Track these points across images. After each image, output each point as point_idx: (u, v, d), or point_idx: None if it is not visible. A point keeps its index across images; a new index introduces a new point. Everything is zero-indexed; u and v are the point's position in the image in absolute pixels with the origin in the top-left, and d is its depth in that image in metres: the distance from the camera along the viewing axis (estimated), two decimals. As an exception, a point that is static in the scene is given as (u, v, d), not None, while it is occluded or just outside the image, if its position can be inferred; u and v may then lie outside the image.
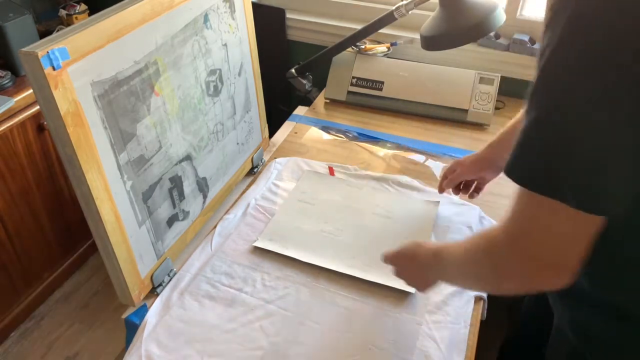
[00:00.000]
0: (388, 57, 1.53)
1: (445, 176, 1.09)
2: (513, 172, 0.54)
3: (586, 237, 0.53)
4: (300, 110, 1.52)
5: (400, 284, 0.94)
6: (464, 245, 0.68)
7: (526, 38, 1.44)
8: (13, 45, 1.52)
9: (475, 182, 1.08)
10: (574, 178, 0.50)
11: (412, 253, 0.83)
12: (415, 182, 1.20)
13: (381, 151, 1.34)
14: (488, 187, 1.23)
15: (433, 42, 1.24)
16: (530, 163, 0.53)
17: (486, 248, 0.62)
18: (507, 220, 0.57)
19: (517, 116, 0.93)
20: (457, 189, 1.10)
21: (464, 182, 1.08)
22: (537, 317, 1.02)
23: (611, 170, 0.49)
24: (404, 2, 1.32)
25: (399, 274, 0.87)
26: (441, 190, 1.11)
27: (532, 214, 0.54)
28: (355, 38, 1.43)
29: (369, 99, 1.49)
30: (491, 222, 1.10)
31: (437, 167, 1.27)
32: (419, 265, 0.81)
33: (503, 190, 1.19)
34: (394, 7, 1.34)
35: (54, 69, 0.68)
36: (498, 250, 0.59)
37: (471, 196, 1.09)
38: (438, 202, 1.13)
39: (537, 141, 0.52)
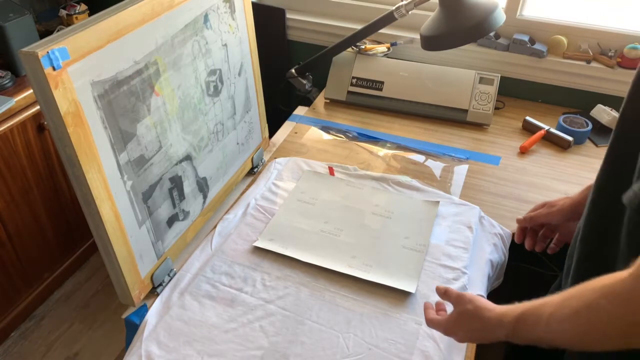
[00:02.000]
0: (388, 57, 1.53)
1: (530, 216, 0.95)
2: None
3: None
4: (300, 110, 1.52)
5: (400, 284, 0.94)
6: (567, 301, 0.61)
7: (526, 38, 1.44)
8: (13, 45, 1.52)
9: (557, 235, 0.94)
10: None
11: (477, 318, 0.72)
12: (415, 182, 1.20)
13: (381, 151, 1.34)
14: (488, 187, 1.23)
15: (433, 42, 1.24)
16: None
17: (613, 297, 0.55)
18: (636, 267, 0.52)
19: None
20: (533, 238, 0.96)
21: (543, 230, 0.95)
22: None
23: None
24: (404, 2, 1.32)
25: (453, 335, 0.75)
26: (519, 238, 0.97)
27: None
28: (355, 38, 1.43)
29: (369, 99, 1.49)
30: (491, 222, 1.10)
31: (437, 167, 1.27)
32: (486, 330, 0.71)
33: (503, 190, 1.20)
34: (394, 7, 1.34)
35: (54, 69, 0.69)
36: (632, 296, 0.53)
37: (551, 250, 0.95)
38: (438, 202, 1.13)
39: None
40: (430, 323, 0.78)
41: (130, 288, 0.90)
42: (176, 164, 0.98)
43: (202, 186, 1.08)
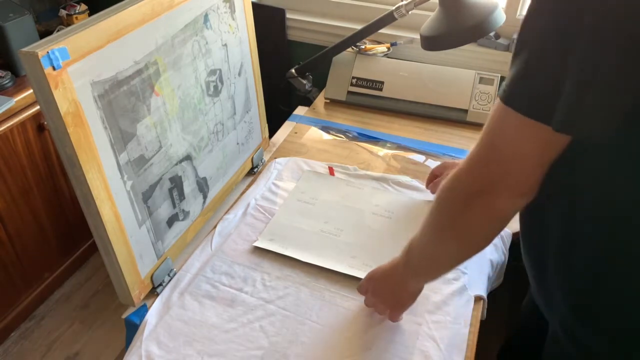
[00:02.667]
0: (388, 57, 1.53)
1: (434, 175, 1.12)
2: (506, 96, 0.57)
3: (547, 159, 0.58)
4: (300, 110, 1.52)
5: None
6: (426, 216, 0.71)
7: (526, 38, 1.44)
8: (13, 45, 1.52)
9: None
10: (560, 102, 0.52)
11: (380, 270, 0.85)
12: (415, 182, 1.20)
13: (381, 151, 1.34)
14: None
15: (433, 42, 1.24)
16: (524, 88, 0.56)
17: (447, 184, 0.65)
18: (471, 150, 0.61)
19: None
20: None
21: None
22: (535, 320, 1.02)
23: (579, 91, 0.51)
24: (404, 2, 1.32)
25: (369, 301, 0.89)
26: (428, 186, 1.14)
27: (504, 133, 0.57)
28: (355, 38, 1.43)
29: (369, 99, 1.49)
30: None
31: (437, 167, 1.27)
32: (395, 274, 0.82)
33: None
34: (394, 7, 1.34)
35: (54, 69, 0.69)
36: (458, 177, 0.63)
37: None
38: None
39: (530, 69, 0.55)
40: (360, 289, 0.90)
41: (130, 288, 0.90)
42: (176, 164, 0.98)
43: (202, 186, 1.08)
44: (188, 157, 1.01)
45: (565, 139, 0.56)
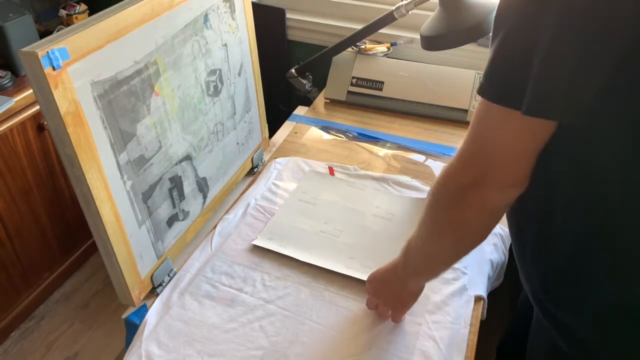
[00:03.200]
0: (388, 57, 1.53)
1: None
2: (480, 88, 0.58)
3: (532, 146, 0.58)
4: (300, 110, 1.52)
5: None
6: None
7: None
8: (13, 45, 1.52)
9: None
10: (529, 85, 0.53)
11: (380, 271, 0.86)
12: (416, 182, 1.20)
13: (381, 151, 1.34)
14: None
15: (433, 42, 1.24)
16: (494, 77, 0.57)
17: (439, 181, 0.66)
18: (460, 146, 0.62)
19: None
20: None
21: None
22: (529, 314, 1.02)
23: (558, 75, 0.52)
24: (404, 2, 1.32)
25: (377, 300, 0.89)
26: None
27: (486, 126, 0.59)
28: (355, 38, 1.43)
29: (369, 99, 1.49)
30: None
31: (437, 167, 1.27)
32: (394, 275, 0.82)
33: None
34: (394, 7, 1.34)
35: (54, 69, 0.69)
36: (450, 174, 0.64)
37: None
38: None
39: (501, 55, 0.56)
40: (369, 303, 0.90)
41: (130, 288, 0.90)
42: (176, 164, 0.98)
43: (202, 186, 1.08)
44: (188, 157, 1.01)
45: (543, 124, 0.56)
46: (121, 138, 0.83)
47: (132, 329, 0.91)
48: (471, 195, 0.62)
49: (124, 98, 0.82)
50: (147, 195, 0.91)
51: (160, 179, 0.94)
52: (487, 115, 0.58)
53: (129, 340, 0.91)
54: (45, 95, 0.70)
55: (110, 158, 0.81)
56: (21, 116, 1.51)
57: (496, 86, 0.56)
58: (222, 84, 1.09)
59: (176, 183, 0.98)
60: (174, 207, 0.99)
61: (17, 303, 1.72)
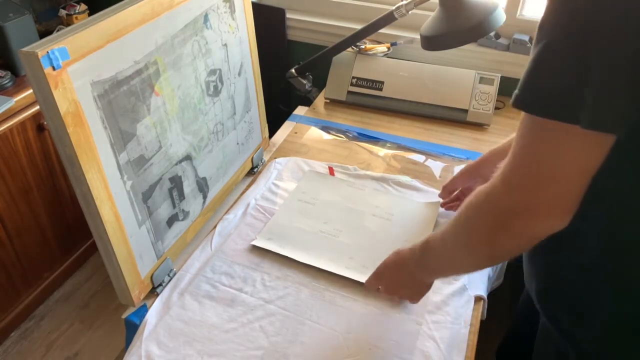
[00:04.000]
0: (388, 57, 1.53)
1: (451, 190, 1.11)
2: (522, 101, 0.52)
3: (589, 167, 0.52)
4: (300, 110, 1.52)
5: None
6: (452, 219, 0.67)
7: (526, 38, 1.44)
8: (13, 45, 1.52)
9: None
10: (587, 97, 0.48)
11: (396, 259, 0.84)
12: (416, 183, 1.20)
13: (381, 151, 1.34)
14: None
15: (433, 42, 1.24)
16: (541, 88, 0.51)
17: (479, 204, 0.61)
18: (505, 167, 0.56)
19: (511, 136, 0.90)
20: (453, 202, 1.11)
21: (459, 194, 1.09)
22: (530, 317, 1.02)
23: (619, 87, 0.48)
24: (404, 2, 1.32)
25: (389, 289, 0.87)
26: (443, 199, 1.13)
27: (537, 146, 0.53)
28: (355, 38, 1.43)
29: (369, 99, 1.49)
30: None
31: (437, 167, 1.27)
32: (407, 269, 0.81)
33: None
34: (394, 7, 1.34)
35: (54, 69, 0.69)
36: (494, 198, 0.58)
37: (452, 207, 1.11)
38: (439, 202, 1.13)
39: (548, 64, 0.50)
40: (366, 285, 0.90)
41: (130, 288, 0.90)
42: (176, 164, 0.98)
43: (202, 186, 1.08)
44: (188, 157, 1.01)
45: (602, 141, 0.50)
46: (121, 138, 0.83)
47: (132, 329, 0.91)
48: (515, 223, 0.56)
49: (124, 98, 0.82)
50: (147, 195, 0.91)
51: (160, 179, 0.94)
52: (537, 132, 0.52)
53: (129, 340, 0.91)
54: (45, 95, 0.70)
55: (110, 158, 0.81)
56: (21, 116, 1.51)
57: (545, 99, 0.51)
58: (222, 84, 1.09)
59: (176, 183, 0.98)
60: (174, 207, 0.99)
61: (17, 303, 1.72)
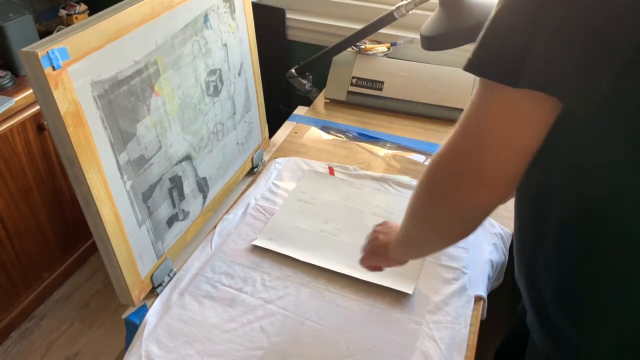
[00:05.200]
0: (388, 57, 1.53)
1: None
2: (470, 64, 0.53)
3: (530, 134, 0.51)
4: (300, 110, 1.52)
5: (397, 285, 0.94)
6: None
7: (526, 38, 1.44)
8: (13, 45, 1.52)
9: None
10: (535, 60, 0.47)
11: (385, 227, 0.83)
12: (416, 182, 1.20)
13: (381, 151, 1.34)
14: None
15: (433, 42, 1.24)
16: (490, 51, 0.51)
17: (423, 176, 0.60)
18: (454, 131, 0.55)
19: None
20: None
21: None
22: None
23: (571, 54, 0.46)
24: (404, 2, 1.32)
25: (370, 251, 0.85)
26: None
27: (478, 108, 0.52)
28: (355, 38, 1.43)
29: (369, 99, 1.49)
30: (491, 222, 1.10)
31: (437, 167, 1.27)
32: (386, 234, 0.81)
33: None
34: (394, 7, 1.34)
35: (54, 68, 0.69)
36: (435, 167, 0.57)
37: None
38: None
39: (499, 27, 0.50)
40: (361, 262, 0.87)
41: (130, 288, 0.90)
42: (176, 164, 0.98)
43: (202, 186, 1.08)
44: (188, 157, 1.01)
45: (543, 106, 0.49)
46: (121, 138, 0.83)
47: (132, 329, 0.91)
48: (459, 190, 0.54)
49: (124, 98, 0.82)
50: (147, 195, 0.91)
51: (160, 179, 0.94)
52: (478, 95, 0.52)
53: (129, 340, 0.91)
54: (45, 95, 0.70)
55: (110, 158, 0.81)
56: (21, 116, 1.51)
57: (488, 59, 0.50)
58: (222, 84, 1.09)
59: (176, 183, 0.98)
60: (174, 207, 0.99)
61: (17, 303, 1.72)
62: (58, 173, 1.70)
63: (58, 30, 0.84)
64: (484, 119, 0.51)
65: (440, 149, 0.56)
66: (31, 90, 1.51)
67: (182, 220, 1.02)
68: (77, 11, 1.81)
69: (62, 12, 1.82)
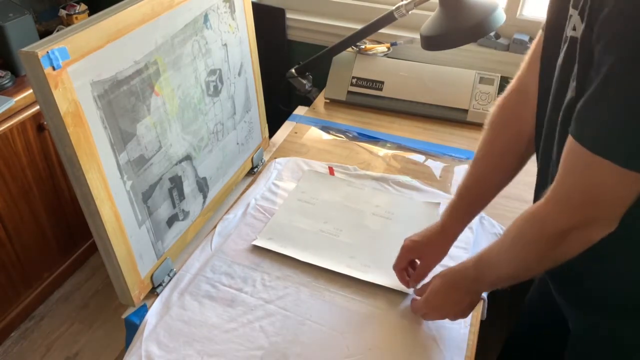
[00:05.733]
0: (388, 57, 1.53)
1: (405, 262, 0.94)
2: (606, 148, 0.55)
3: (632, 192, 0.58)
4: (300, 110, 1.52)
5: (397, 285, 0.94)
6: (506, 234, 0.72)
7: (526, 38, 1.44)
8: (13, 45, 1.52)
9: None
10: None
11: (445, 282, 0.84)
12: (416, 182, 1.20)
13: (381, 151, 1.34)
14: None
15: (433, 42, 1.24)
16: (630, 141, 0.54)
17: (532, 228, 0.66)
18: (555, 189, 0.62)
19: (471, 170, 0.89)
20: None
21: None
22: (540, 317, 1.02)
23: None
24: (404, 2, 1.32)
25: (437, 311, 0.85)
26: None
27: (599, 182, 0.58)
28: (355, 38, 1.43)
29: (369, 99, 1.49)
30: (491, 222, 1.10)
31: (437, 167, 1.27)
32: (461, 287, 0.81)
33: (503, 190, 1.19)
34: (394, 7, 1.34)
35: (53, 69, 0.69)
36: (551, 223, 0.63)
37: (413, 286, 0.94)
38: (439, 203, 1.13)
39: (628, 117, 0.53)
40: (414, 308, 0.89)
41: (130, 288, 0.90)
42: (176, 164, 0.98)
43: (202, 186, 1.08)
44: (188, 157, 1.01)
45: None
46: (121, 138, 0.83)
47: (132, 329, 0.91)
48: (575, 235, 0.62)
49: (124, 98, 0.82)
50: (147, 195, 0.91)
51: (160, 179, 0.94)
52: (597, 170, 0.57)
53: (129, 340, 0.91)
54: (45, 95, 0.70)
55: (110, 158, 0.81)
56: (21, 116, 1.51)
57: (628, 150, 0.54)
58: (222, 84, 1.09)
59: (176, 183, 0.98)
60: (174, 207, 0.99)
61: (17, 303, 1.72)
62: (58, 173, 1.70)
63: (58, 30, 0.84)
64: (604, 189, 0.58)
65: (553, 203, 0.63)
66: (31, 90, 1.51)
67: (182, 220, 1.02)
68: (77, 11, 1.81)
69: (62, 12, 1.82)
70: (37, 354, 1.68)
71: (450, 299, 0.83)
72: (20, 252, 1.65)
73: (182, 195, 1.01)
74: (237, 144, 1.19)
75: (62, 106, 0.71)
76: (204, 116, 1.04)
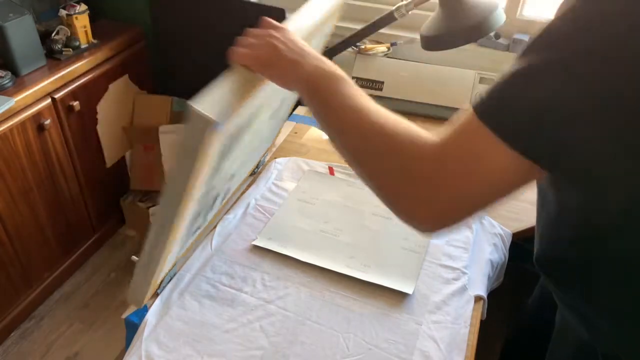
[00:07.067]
0: (388, 57, 1.53)
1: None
2: (486, 113, 0.54)
3: (504, 189, 0.54)
4: (300, 110, 1.52)
5: (397, 285, 0.94)
6: (385, 123, 0.67)
7: (526, 38, 1.44)
8: (13, 45, 1.52)
9: None
10: (545, 134, 0.50)
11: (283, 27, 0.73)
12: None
13: (381, 151, 1.33)
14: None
15: (433, 42, 1.24)
16: (509, 109, 0.52)
17: (407, 150, 0.61)
18: (444, 139, 0.56)
19: None
20: None
21: None
22: (541, 318, 1.02)
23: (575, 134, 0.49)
24: (404, 2, 1.32)
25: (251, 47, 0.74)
26: None
27: (472, 144, 0.54)
28: (355, 38, 1.43)
29: (369, 99, 1.49)
30: (491, 222, 1.10)
31: (437, 167, 1.27)
32: (291, 65, 0.70)
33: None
34: (394, 7, 1.33)
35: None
36: (420, 158, 0.58)
37: None
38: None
39: (522, 92, 0.51)
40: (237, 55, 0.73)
41: (148, 294, 0.89)
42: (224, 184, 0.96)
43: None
44: (232, 176, 0.99)
45: (527, 170, 0.52)
46: (212, 174, 0.79)
47: (132, 329, 0.91)
48: (420, 185, 0.58)
49: (229, 139, 0.77)
50: (196, 214, 0.88)
51: (215, 200, 0.92)
52: (471, 131, 0.55)
53: (129, 340, 0.91)
54: (192, 151, 0.64)
55: (201, 190, 0.78)
56: (21, 116, 1.51)
57: (504, 116, 0.52)
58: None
59: (214, 199, 0.97)
60: (203, 219, 0.97)
61: (17, 303, 1.72)
62: (58, 173, 1.70)
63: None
64: (475, 158, 0.53)
65: (433, 145, 0.57)
66: (31, 90, 1.52)
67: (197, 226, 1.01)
68: (77, 11, 1.81)
69: (62, 12, 1.81)
70: (37, 354, 1.68)
71: (278, 52, 0.72)
72: (20, 252, 1.65)
73: (212, 208, 0.99)
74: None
75: (203, 161, 0.67)
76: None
